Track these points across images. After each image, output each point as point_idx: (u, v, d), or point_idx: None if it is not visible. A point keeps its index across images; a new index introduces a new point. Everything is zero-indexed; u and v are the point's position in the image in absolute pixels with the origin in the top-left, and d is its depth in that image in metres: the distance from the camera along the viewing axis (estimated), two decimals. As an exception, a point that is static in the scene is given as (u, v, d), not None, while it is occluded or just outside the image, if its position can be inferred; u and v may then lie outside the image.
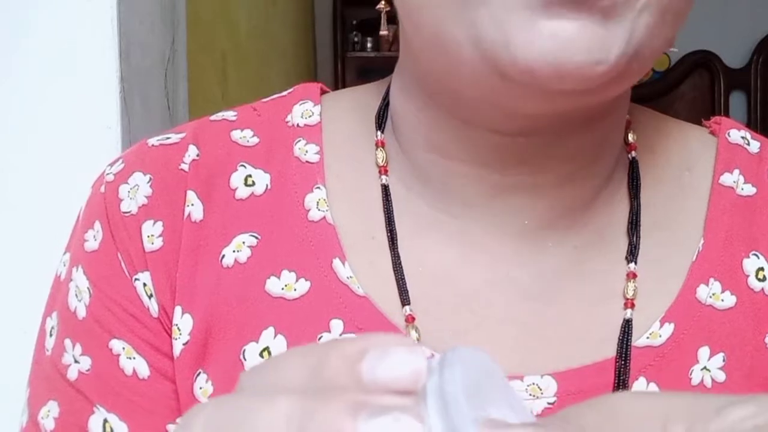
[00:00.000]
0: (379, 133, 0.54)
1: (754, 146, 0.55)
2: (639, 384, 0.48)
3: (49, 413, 0.51)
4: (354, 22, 3.37)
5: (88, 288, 0.51)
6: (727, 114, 2.89)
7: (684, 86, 3.02)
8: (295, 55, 2.45)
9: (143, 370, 0.51)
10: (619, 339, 0.49)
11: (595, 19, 0.40)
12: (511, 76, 0.42)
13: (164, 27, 1.05)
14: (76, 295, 0.52)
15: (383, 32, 0.53)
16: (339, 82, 2.99)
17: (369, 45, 3.39)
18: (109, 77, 0.90)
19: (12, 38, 0.91)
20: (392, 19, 0.51)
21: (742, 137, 0.55)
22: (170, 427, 0.51)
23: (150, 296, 0.51)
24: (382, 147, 0.53)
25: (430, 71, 0.48)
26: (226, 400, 0.28)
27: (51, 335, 0.53)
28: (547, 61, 0.40)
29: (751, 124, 2.89)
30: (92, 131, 0.91)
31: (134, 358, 0.51)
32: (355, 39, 3.41)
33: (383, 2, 0.50)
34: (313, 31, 2.87)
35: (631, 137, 0.54)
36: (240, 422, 0.26)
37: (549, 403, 0.48)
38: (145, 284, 0.51)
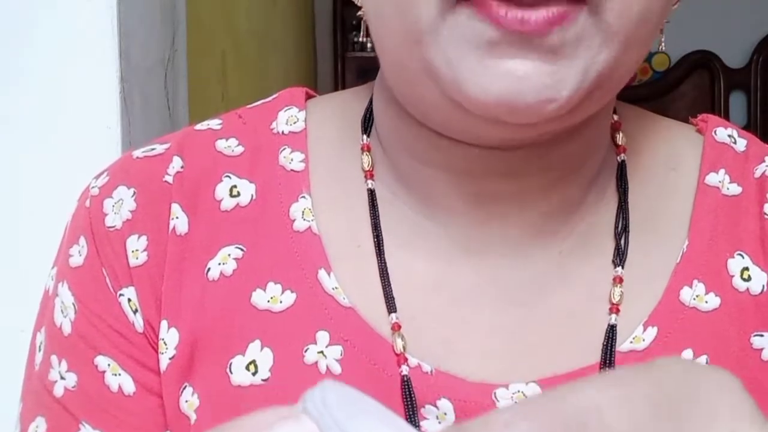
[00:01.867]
0: (364, 137, 0.53)
1: (741, 144, 0.55)
2: None
3: (37, 429, 0.51)
4: (354, 22, 3.36)
5: (73, 304, 0.51)
6: (727, 114, 2.89)
7: (684, 86, 3.02)
8: (295, 55, 2.45)
9: (129, 386, 0.50)
10: (603, 345, 0.49)
11: (545, 58, 0.40)
12: (469, 110, 0.42)
13: (164, 27, 1.05)
14: (61, 310, 0.52)
15: (362, 39, 0.53)
16: (339, 82, 2.99)
17: (369, 45, 3.38)
18: (109, 77, 0.90)
19: (12, 38, 0.91)
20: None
21: (729, 135, 0.55)
22: None
23: (135, 311, 0.50)
24: (368, 151, 0.53)
25: (399, 94, 0.48)
26: None
27: (39, 350, 0.53)
28: (498, 100, 0.40)
29: (751, 124, 2.88)
30: (92, 131, 0.91)
31: (119, 374, 0.50)
32: (355, 39, 3.41)
33: (363, 9, 0.50)
34: (313, 31, 2.87)
35: (620, 139, 0.54)
36: None
37: None
38: (129, 299, 0.50)
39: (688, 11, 2.91)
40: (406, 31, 0.42)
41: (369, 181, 0.52)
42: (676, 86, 3.01)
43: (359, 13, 0.50)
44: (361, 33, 0.51)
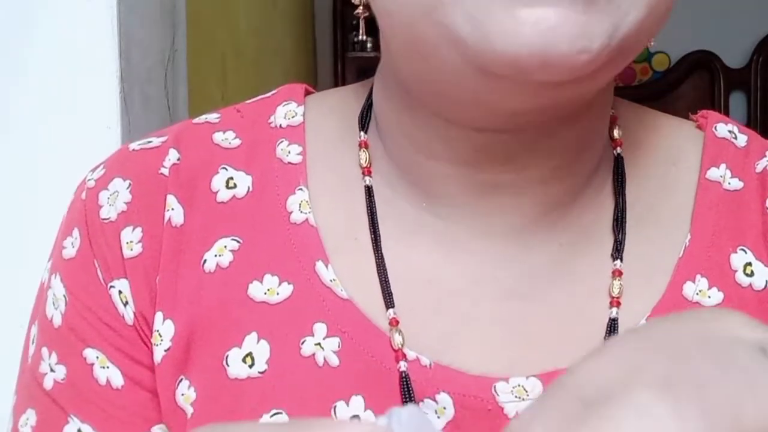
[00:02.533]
0: (362, 133, 0.53)
1: (741, 140, 0.55)
2: None
3: (27, 421, 0.51)
4: (354, 22, 3.36)
5: (64, 296, 0.51)
6: (727, 114, 2.89)
7: (684, 86, 3.02)
8: (295, 55, 2.45)
9: (117, 379, 0.50)
10: (604, 339, 0.49)
11: (576, 8, 0.39)
12: (494, 70, 0.41)
13: (164, 27, 1.05)
14: (53, 303, 0.52)
15: (361, 37, 0.53)
16: (339, 82, 2.99)
17: (369, 45, 3.39)
18: (109, 77, 0.90)
19: (12, 38, 0.91)
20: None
21: (729, 131, 0.55)
22: None
23: (125, 304, 0.50)
24: (366, 148, 0.53)
25: (411, 74, 0.47)
26: None
27: (33, 343, 0.53)
28: (531, 51, 0.39)
29: (751, 124, 2.88)
30: (92, 131, 0.91)
31: (108, 367, 0.50)
32: (355, 39, 3.41)
33: (361, 8, 0.50)
34: (313, 31, 2.87)
35: (616, 133, 0.54)
36: None
37: None
38: (120, 291, 0.50)
39: (688, 11, 2.91)
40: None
41: (366, 178, 0.52)
42: (676, 86, 3.01)
43: (356, 11, 0.50)
44: (361, 31, 0.51)
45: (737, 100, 3.02)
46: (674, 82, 3.01)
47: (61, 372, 0.51)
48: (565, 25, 0.39)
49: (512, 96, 0.44)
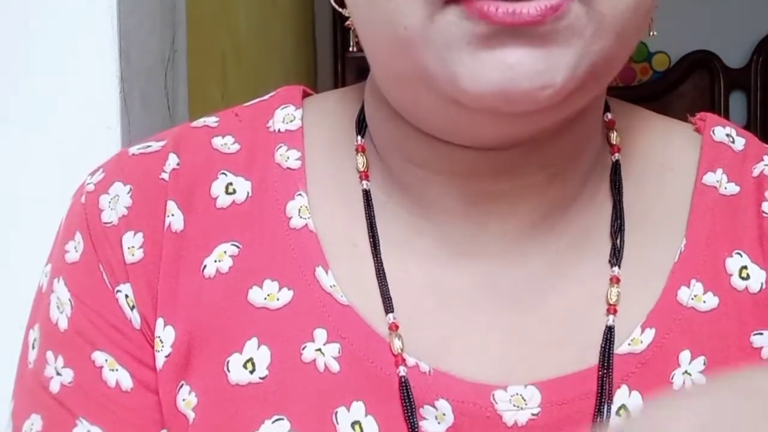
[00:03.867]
0: (359, 137, 0.53)
1: (739, 143, 0.54)
2: (622, 392, 0.48)
3: (32, 427, 0.51)
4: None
5: (69, 300, 0.51)
6: (727, 114, 2.88)
7: (684, 86, 3.01)
8: (295, 55, 2.45)
9: (126, 382, 0.50)
10: (601, 347, 0.49)
11: (537, 44, 0.40)
12: (464, 104, 0.42)
13: (164, 27, 1.05)
14: (57, 307, 0.51)
15: (353, 48, 0.53)
16: (339, 82, 2.98)
17: (369, 45, 3.37)
18: (109, 77, 0.90)
19: (12, 38, 0.91)
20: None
21: (727, 134, 0.55)
22: None
23: (132, 308, 0.50)
24: (363, 152, 0.53)
25: (394, 98, 0.48)
26: None
27: (33, 348, 0.52)
28: (494, 90, 0.40)
29: (751, 124, 2.88)
30: (92, 131, 0.91)
31: (117, 370, 0.50)
32: (355, 39, 3.40)
33: (351, 20, 0.50)
34: (313, 31, 2.87)
35: (614, 138, 0.53)
36: None
37: (533, 414, 0.47)
38: (127, 296, 0.50)
39: (688, 11, 2.90)
40: (396, 39, 0.42)
41: (364, 182, 0.52)
42: (676, 86, 3.01)
43: (347, 23, 0.50)
44: (351, 42, 0.52)
45: (737, 100, 3.01)
46: (674, 82, 3.00)
47: (68, 375, 0.50)
48: (525, 64, 0.40)
49: (490, 126, 0.45)
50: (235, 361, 0.49)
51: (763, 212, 0.52)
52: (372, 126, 0.53)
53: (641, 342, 0.49)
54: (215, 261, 0.50)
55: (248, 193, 0.52)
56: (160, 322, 0.50)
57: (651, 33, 0.49)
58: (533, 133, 0.46)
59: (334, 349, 0.49)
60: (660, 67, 2.97)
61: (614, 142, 0.53)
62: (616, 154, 0.53)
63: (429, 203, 0.50)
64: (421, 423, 0.48)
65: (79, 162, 0.89)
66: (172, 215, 0.51)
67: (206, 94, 1.42)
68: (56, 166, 0.91)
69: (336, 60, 3.02)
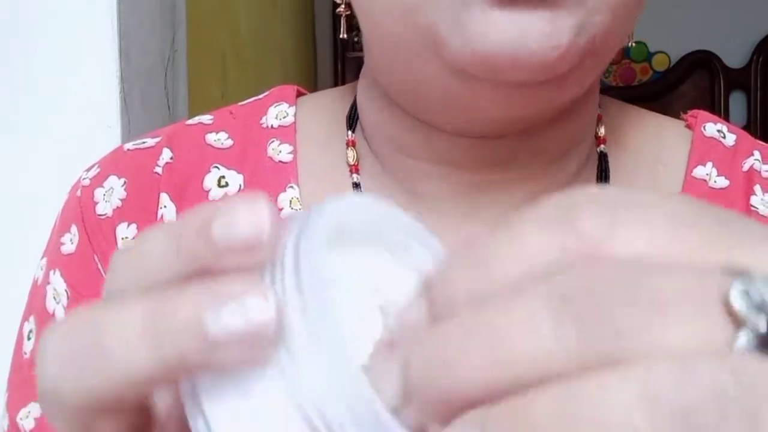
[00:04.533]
0: (349, 132, 0.54)
1: (730, 139, 0.55)
2: None
3: (29, 414, 0.51)
4: (354, 22, 3.36)
5: (66, 290, 0.52)
6: (727, 114, 2.89)
7: (684, 86, 3.02)
8: (295, 55, 2.45)
9: None
10: None
11: (545, 7, 0.41)
12: (470, 70, 0.42)
13: (164, 27, 1.05)
14: (54, 297, 0.52)
15: (343, 36, 0.54)
16: (339, 81, 2.98)
17: (369, 45, 3.37)
18: (109, 77, 0.90)
19: (12, 39, 0.91)
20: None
21: (718, 130, 0.55)
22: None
23: None
24: (353, 146, 0.53)
25: (391, 77, 0.48)
26: (79, 316, 0.26)
27: (29, 339, 0.53)
28: (504, 49, 0.41)
29: (751, 124, 2.88)
30: (92, 130, 0.91)
31: None
32: (355, 39, 3.41)
33: (343, 6, 0.50)
34: (313, 31, 2.87)
35: (601, 131, 0.54)
36: (93, 344, 0.25)
37: None
38: None
39: (688, 11, 2.89)
40: (403, 3, 0.42)
41: (354, 176, 0.53)
42: (676, 86, 3.01)
43: (338, 10, 0.50)
44: (342, 29, 0.52)
45: (737, 100, 3.01)
46: (674, 82, 3.00)
47: None
48: (535, 26, 0.41)
49: (489, 100, 0.45)
50: None
51: (752, 206, 0.52)
52: (364, 117, 0.53)
53: None
54: None
55: (240, 185, 0.53)
56: None
57: (630, 44, 0.50)
58: (529, 119, 0.47)
59: None
60: (660, 67, 2.97)
61: (601, 134, 0.54)
62: (602, 146, 0.54)
63: (421, 193, 0.51)
64: None
65: (79, 161, 0.89)
66: (165, 207, 0.52)
67: (206, 94, 1.42)
68: (57, 166, 0.91)
69: (336, 60, 3.02)
